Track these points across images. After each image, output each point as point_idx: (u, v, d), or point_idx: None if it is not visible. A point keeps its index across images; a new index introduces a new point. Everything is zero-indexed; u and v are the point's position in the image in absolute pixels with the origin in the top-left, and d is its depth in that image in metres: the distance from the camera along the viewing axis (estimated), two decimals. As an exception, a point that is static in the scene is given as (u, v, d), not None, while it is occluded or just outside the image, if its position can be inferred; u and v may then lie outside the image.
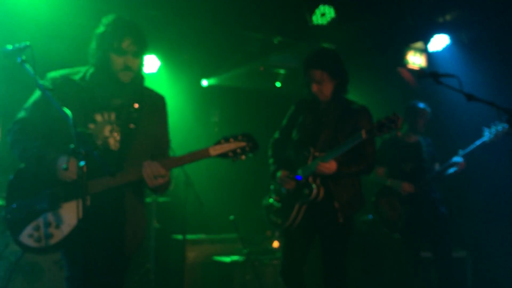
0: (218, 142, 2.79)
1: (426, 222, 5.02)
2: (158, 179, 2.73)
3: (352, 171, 3.73)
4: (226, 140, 2.78)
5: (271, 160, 4.00)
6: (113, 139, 2.83)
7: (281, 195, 3.93)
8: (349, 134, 3.66)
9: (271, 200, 4.00)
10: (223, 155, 2.78)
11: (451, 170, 4.94)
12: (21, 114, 2.84)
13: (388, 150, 5.27)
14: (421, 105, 5.22)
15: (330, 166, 3.61)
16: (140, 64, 2.88)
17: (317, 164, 3.62)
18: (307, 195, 3.71)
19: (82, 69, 2.91)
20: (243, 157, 2.79)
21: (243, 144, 2.78)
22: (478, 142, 4.73)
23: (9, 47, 2.63)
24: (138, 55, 2.83)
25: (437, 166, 5.14)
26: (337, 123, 3.77)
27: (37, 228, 2.71)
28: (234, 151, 2.77)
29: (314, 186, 3.70)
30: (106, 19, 2.84)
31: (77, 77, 2.87)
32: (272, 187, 4.04)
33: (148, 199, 5.71)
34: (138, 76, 2.90)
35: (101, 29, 2.82)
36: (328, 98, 3.80)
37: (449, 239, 5.06)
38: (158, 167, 2.72)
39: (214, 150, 2.77)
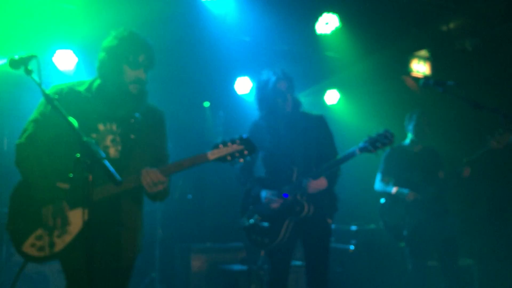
0: (216, 146, 2.79)
1: (433, 230, 5.00)
2: (158, 185, 2.74)
3: (334, 180, 3.90)
4: (224, 144, 2.78)
5: (248, 184, 4.02)
6: (114, 149, 2.84)
7: (264, 215, 3.90)
8: (315, 145, 3.84)
9: (252, 220, 3.96)
10: (222, 159, 2.78)
11: (456, 178, 4.90)
12: (29, 128, 2.82)
13: (393, 159, 5.27)
14: (420, 112, 5.23)
15: (321, 182, 3.75)
16: (146, 79, 2.90)
17: (309, 182, 3.70)
18: (299, 212, 3.77)
19: (87, 81, 2.94)
20: (241, 160, 2.79)
21: (241, 147, 2.78)
22: (482, 150, 4.72)
23: (16, 57, 2.64)
24: (148, 70, 2.88)
25: (441, 175, 5.12)
26: (304, 136, 3.88)
27: (39, 238, 2.70)
28: (232, 155, 2.78)
29: (305, 203, 3.76)
30: (119, 33, 2.86)
31: (82, 88, 2.89)
32: (251, 207, 4.00)
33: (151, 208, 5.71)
34: (144, 90, 2.92)
35: (113, 42, 2.83)
36: (290, 109, 3.87)
37: (455, 248, 5.02)
38: (156, 174, 2.72)
39: (212, 154, 2.78)
